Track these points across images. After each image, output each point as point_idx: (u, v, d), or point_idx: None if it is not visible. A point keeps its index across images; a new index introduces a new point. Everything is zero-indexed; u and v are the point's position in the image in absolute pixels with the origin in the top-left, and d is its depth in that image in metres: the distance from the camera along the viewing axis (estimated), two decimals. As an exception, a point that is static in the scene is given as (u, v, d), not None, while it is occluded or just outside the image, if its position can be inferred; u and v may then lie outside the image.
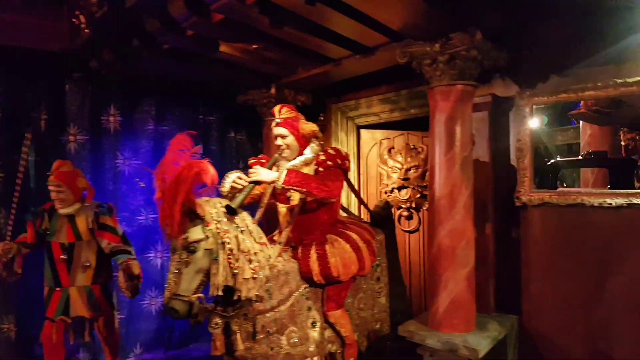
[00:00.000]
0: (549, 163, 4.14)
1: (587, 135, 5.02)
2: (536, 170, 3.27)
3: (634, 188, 3.23)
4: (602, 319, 2.89)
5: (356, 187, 4.57)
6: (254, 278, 2.42)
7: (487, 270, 3.27)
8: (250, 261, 2.43)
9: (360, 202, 3.47)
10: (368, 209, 3.62)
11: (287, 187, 2.61)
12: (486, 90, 3.26)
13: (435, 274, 2.93)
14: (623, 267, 2.82)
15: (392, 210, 3.89)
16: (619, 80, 2.78)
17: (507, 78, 3.22)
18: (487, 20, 2.68)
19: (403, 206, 4.43)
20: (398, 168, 4.43)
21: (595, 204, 2.87)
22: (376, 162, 4.59)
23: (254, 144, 4.79)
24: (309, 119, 3.02)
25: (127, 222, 4.01)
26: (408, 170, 4.38)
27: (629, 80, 2.75)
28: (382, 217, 3.60)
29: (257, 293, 2.44)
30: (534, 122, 3.20)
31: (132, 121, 4.20)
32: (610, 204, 2.82)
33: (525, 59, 3.13)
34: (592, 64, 2.90)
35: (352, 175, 4.55)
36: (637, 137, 4.93)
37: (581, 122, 4.94)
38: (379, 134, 4.56)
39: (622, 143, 5.06)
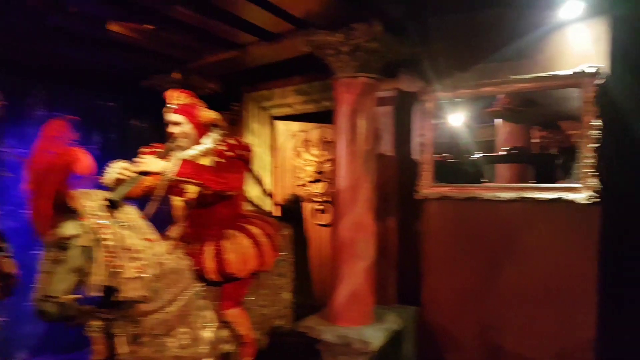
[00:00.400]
0: (474, 158, 4.26)
1: (502, 132, 5.24)
2: (459, 165, 3.30)
3: (555, 182, 3.33)
4: (494, 309, 3.00)
5: (271, 180, 4.46)
6: (138, 277, 2.24)
7: (389, 263, 3.30)
8: (134, 259, 2.24)
9: (267, 195, 3.36)
10: (276, 203, 3.53)
11: (179, 178, 2.44)
12: (392, 84, 3.27)
13: (335, 267, 2.91)
14: (513, 259, 2.94)
15: (302, 204, 3.83)
16: (514, 77, 2.87)
17: (413, 73, 3.24)
18: (388, 11, 2.66)
19: (317, 200, 4.38)
20: (313, 161, 4.38)
21: (489, 198, 2.96)
22: (291, 154, 4.50)
23: (160, 132, 4.50)
24: (221, 107, 2.86)
25: (11, 216, 3.62)
26: (323, 163, 4.34)
27: (524, 77, 2.85)
28: (292, 211, 3.52)
29: (141, 293, 2.26)
30: (437, 117, 3.25)
31: (20, 107, 3.79)
32: (502, 197, 2.92)
33: (430, 54, 3.16)
34: (492, 61, 2.98)
35: (267, 167, 4.43)
36: (548, 135, 5.18)
37: (496, 120, 5.17)
38: (294, 125, 4.47)
39: (534, 140, 5.33)
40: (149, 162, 2.42)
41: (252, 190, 4.07)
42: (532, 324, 2.87)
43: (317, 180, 4.35)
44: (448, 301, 3.16)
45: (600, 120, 2.59)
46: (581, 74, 2.62)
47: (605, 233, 2.65)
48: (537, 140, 5.31)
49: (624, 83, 2.60)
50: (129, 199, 2.34)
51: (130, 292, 2.20)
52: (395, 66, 3.21)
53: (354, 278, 2.84)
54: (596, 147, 2.61)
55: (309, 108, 4.11)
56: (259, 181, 3.20)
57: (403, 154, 3.32)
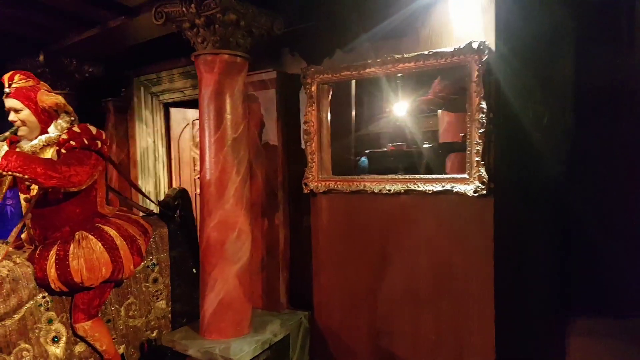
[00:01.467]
0: (428, 147, 3.98)
1: (444, 122, 5.02)
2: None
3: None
4: (386, 311, 2.73)
5: (167, 173, 4.07)
6: None
7: (277, 264, 2.98)
8: None
9: (137, 190, 2.98)
10: (149, 199, 3.15)
11: (4, 172, 2.11)
12: (274, 65, 2.93)
13: (204, 273, 2.56)
14: (401, 255, 2.67)
15: (192, 198, 3.45)
16: (397, 56, 2.58)
17: (295, 53, 2.91)
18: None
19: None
20: (213, 152, 4.00)
21: (376, 191, 2.68)
22: (189, 144, 4.12)
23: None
24: (109, 93, 2.48)
25: None
26: (225, 154, 3.98)
27: (406, 55, 2.56)
28: (173, 208, 3.14)
29: None
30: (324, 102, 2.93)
31: None
32: (390, 190, 2.65)
33: (311, 33, 2.84)
34: (375, 39, 2.68)
35: (161, 159, 4.03)
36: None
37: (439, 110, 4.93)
38: (191, 113, 4.08)
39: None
40: None
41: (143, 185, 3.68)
42: (425, 326, 2.61)
43: (219, 173, 3.99)
44: (340, 304, 2.87)
45: (485, 102, 2.34)
46: (464, 50, 2.35)
47: (498, 228, 2.41)
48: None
49: (508, 61, 2.34)
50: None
51: None
52: (277, 45, 2.88)
53: (224, 284, 2.51)
54: (482, 132, 2.36)
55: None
56: (122, 174, 2.81)
57: (291, 144, 2.99)
